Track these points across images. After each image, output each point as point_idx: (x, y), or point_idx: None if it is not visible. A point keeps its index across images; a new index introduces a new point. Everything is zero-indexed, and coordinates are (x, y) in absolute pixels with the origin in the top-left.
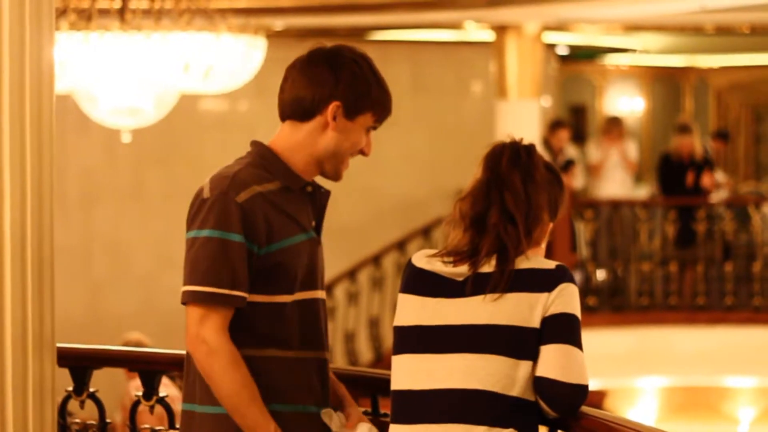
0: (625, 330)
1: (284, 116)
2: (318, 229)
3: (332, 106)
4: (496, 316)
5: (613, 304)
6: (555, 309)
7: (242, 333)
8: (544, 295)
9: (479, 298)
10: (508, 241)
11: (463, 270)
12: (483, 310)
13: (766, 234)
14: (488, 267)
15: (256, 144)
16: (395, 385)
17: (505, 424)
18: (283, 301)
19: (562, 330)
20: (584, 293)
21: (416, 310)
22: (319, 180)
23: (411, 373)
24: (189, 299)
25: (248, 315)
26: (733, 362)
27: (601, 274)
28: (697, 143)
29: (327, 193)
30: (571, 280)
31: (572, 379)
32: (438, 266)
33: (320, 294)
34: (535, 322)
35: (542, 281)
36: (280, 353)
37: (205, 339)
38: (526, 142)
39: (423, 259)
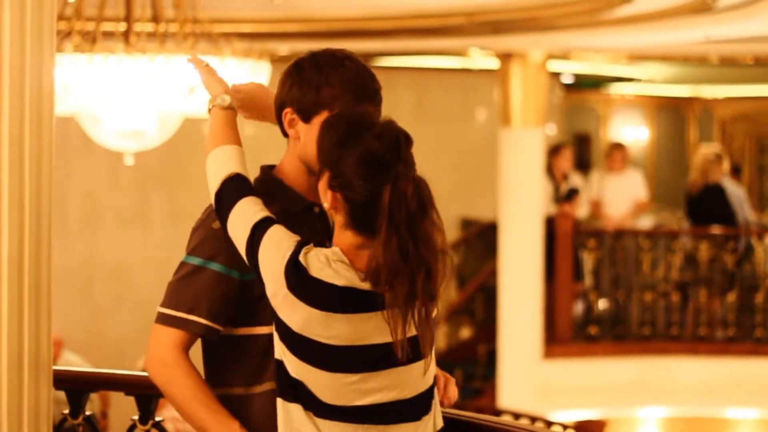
0: (626, 360)
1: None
2: None
3: (285, 113)
4: None
5: (615, 334)
6: None
7: (228, 370)
8: None
9: None
10: None
11: None
12: None
13: None
14: None
15: (261, 168)
16: None
17: None
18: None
19: None
20: (586, 322)
21: None
22: None
23: None
24: (156, 319)
25: (238, 348)
26: (734, 393)
27: (603, 304)
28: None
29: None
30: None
31: None
32: None
33: None
34: None
35: None
36: (268, 387)
37: (159, 356)
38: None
39: None
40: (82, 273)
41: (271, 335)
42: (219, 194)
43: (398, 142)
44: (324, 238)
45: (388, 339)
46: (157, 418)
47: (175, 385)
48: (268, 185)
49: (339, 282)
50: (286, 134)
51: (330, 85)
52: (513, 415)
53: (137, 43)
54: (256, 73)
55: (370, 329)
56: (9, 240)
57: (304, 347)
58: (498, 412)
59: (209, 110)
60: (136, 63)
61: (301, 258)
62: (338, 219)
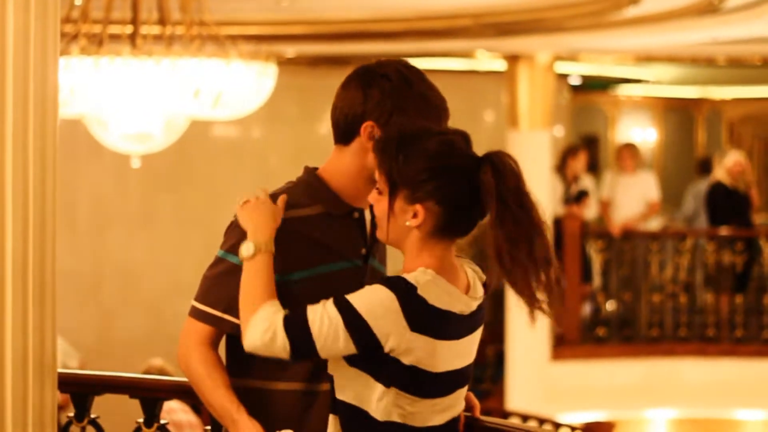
0: (634, 361)
1: (334, 140)
2: (366, 257)
3: (365, 127)
4: None
5: (623, 335)
6: None
7: (250, 362)
8: None
9: None
10: None
11: None
12: None
13: None
14: None
15: (306, 169)
16: None
17: None
18: None
19: None
20: (594, 324)
21: None
22: None
23: None
24: (189, 312)
25: None
26: (743, 395)
27: (611, 305)
28: None
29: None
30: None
31: None
32: None
33: None
34: None
35: None
36: (281, 386)
37: (187, 345)
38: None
39: None
40: (90, 275)
41: None
42: (293, 344)
43: (461, 131)
44: (360, 243)
45: (465, 363)
46: (162, 421)
47: (195, 374)
48: (312, 187)
49: (455, 309)
50: (342, 142)
51: (427, 103)
52: (521, 417)
53: (144, 45)
54: (263, 75)
55: (462, 353)
56: (13, 242)
57: (413, 381)
58: (506, 414)
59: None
60: (143, 66)
61: (420, 292)
62: (417, 234)
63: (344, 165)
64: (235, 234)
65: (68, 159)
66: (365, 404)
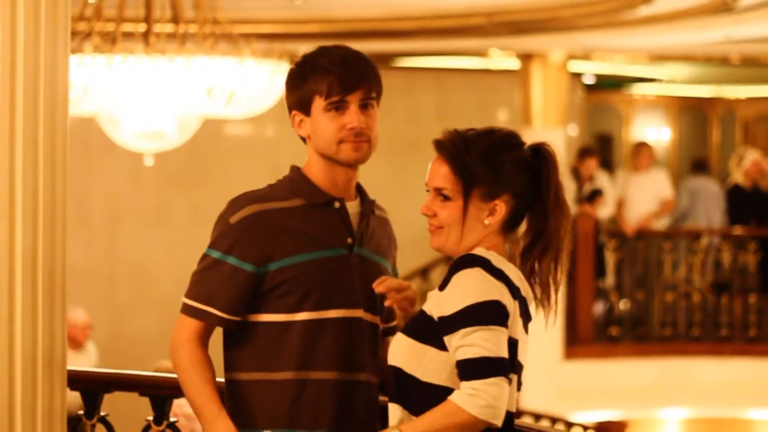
0: (647, 360)
1: None
2: (352, 246)
3: (293, 118)
4: None
5: (636, 335)
6: None
7: (240, 355)
8: None
9: None
10: None
11: None
12: None
13: None
14: None
15: (291, 167)
16: None
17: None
18: (285, 321)
19: None
20: (607, 323)
21: None
22: (382, 199)
23: None
24: (180, 308)
25: (250, 335)
26: (756, 394)
27: (624, 304)
28: None
29: (369, 207)
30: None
31: None
32: None
33: (356, 313)
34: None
35: None
36: (270, 376)
37: (177, 341)
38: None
39: None
40: (103, 273)
41: (278, 323)
42: (496, 384)
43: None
44: (342, 232)
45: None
46: (172, 419)
47: (180, 369)
48: (296, 182)
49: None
50: (303, 139)
51: (314, 70)
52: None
53: (157, 44)
54: (275, 74)
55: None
56: (23, 240)
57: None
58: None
59: None
60: (156, 64)
61: (496, 264)
62: (485, 233)
63: (311, 156)
64: (216, 229)
65: (81, 157)
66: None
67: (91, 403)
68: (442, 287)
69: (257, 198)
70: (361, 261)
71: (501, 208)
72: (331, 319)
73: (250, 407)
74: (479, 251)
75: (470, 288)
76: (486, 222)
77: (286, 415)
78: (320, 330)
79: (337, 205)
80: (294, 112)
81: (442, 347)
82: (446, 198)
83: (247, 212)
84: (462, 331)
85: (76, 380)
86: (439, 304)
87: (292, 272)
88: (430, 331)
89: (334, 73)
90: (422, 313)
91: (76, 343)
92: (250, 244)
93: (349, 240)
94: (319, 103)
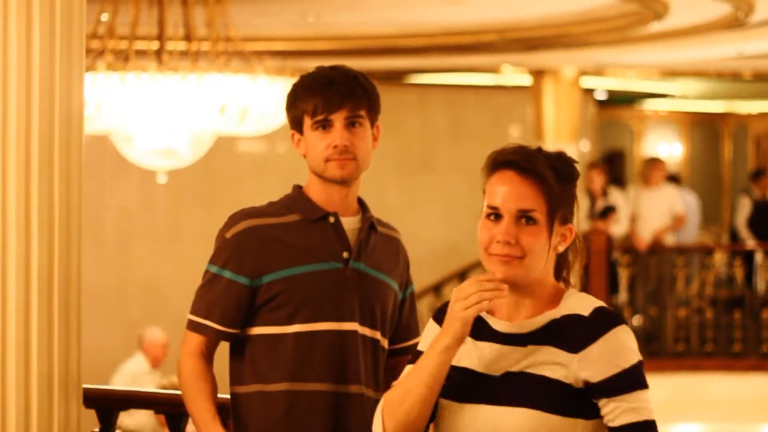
0: (661, 376)
1: None
2: (348, 260)
3: (291, 134)
4: None
5: (649, 350)
6: None
7: (239, 369)
8: None
9: None
10: None
11: None
12: None
13: None
14: None
15: (293, 186)
16: None
17: None
18: (278, 333)
19: None
20: None
21: None
22: (387, 217)
23: None
24: (186, 324)
25: (247, 348)
26: None
27: (637, 320)
28: None
29: (368, 222)
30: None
31: None
32: None
33: (350, 326)
34: None
35: None
36: (265, 387)
37: (181, 356)
38: None
39: None
40: (116, 289)
41: (272, 335)
42: None
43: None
44: (337, 246)
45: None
46: None
47: (182, 382)
48: (293, 199)
49: None
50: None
51: (302, 90)
52: None
53: (170, 61)
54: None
55: None
56: (39, 258)
57: None
58: None
59: None
60: (169, 81)
61: None
62: (551, 259)
63: (309, 174)
64: (215, 245)
65: (95, 174)
66: None
67: (107, 421)
68: (575, 350)
69: (253, 213)
70: (358, 275)
71: (572, 231)
72: (324, 332)
73: (246, 419)
74: (586, 298)
75: (631, 346)
76: (560, 248)
77: (280, 427)
78: (312, 342)
79: (331, 219)
80: (292, 132)
81: (590, 415)
82: (531, 221)
83: (242, 227)
84: (637, 393)
85: (91, 398)
86: (584, 369)
87: (284, 285)
88: (571, 401)
89: (318, 93)
90: (550, 382)
91: (157, 361)
92: (244, 257)
93: (345, 254)
94: (308, 123)
